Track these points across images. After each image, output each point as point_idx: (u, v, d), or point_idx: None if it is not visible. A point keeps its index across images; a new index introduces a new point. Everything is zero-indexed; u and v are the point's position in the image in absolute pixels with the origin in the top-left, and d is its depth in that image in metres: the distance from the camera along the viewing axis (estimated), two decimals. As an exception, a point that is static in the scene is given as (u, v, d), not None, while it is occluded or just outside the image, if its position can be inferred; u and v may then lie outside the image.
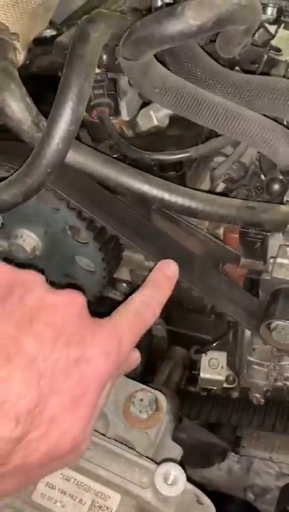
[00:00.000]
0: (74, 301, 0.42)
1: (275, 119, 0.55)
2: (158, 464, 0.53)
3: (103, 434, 0.57)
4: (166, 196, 0.53)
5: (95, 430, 0.57)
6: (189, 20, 0.44)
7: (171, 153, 0.61)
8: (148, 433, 0.61)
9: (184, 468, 0.55)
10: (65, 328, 0.40)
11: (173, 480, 0.50)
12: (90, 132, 0.70)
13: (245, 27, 0.50)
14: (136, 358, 0.51)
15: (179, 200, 0.54)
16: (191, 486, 0.51)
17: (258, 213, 0.56)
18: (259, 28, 0.76)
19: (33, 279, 0.43)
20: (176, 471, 0.50)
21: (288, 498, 0.92)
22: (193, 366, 0.83)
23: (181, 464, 0.59)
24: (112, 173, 0.53)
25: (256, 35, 0.75)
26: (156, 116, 0.69)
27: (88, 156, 0.53)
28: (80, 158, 0.53)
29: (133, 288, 0.79)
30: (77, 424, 0.40)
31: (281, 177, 0.57)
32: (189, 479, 0.52)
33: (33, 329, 0.39)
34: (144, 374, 0.89)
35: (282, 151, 0.51)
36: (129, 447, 0.56)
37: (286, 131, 0.52)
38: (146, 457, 0.56)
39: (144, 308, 0.47)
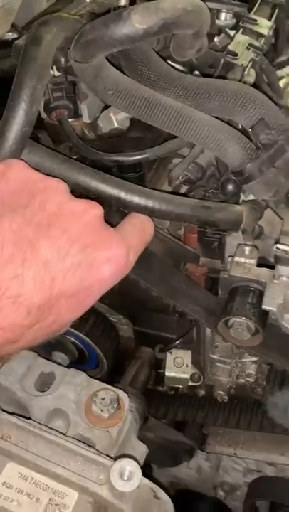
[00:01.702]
0: (91, 210, 0.46)
1: (228, 122, 0.57)
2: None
3: (64, 434, 0.58)
4: (123, 195, 0.54)
5: (55, 429, 0.58)
6: (135, 24, 0.45)
7: (130, 154, 0.62)
8: (110, 431, 0.61)
9: (150, 466, 0.55)
10: (80, 236, 0.43)
11: (128, 475, 0.50)
12: (50, 134, 0.70)
13: (194, 31, 0.52)
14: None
15: (136, 199, 0.54)
16: (147, 481, 0.52)
17: (213, 213, 0.58)
18: (220, 33, 0.78)
19: (56, 186, 0.46)
20: (131, 467, 0.50)
21: (256, 494, 0.93)
22: (158, 365, 0.83)
23: (148, 462, 0.60)
24: (69, 172, 0.53)
25: (217, 39, 0.77)
26: (116, 119, 0.70)
27: (44, 156, 0.53)
28: (35, 157, 0.53)
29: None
30: (73, 318, 0.46)
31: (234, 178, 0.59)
32: (146, 475, 0.53)
33: (49, 234, 0.42)
34: (112, 375, 0.89)
35: (231, 152, 0.52)
36: (89, 446, 0.56)
37: (236, 133, 0.53)
38: (108, 456, 0.56)
39: (146, 225, 0.53)
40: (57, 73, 0.66)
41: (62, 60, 0.63)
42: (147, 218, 0.54)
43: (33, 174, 0.46)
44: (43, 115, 0.69)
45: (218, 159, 0.66)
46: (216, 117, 0.55)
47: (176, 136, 0.63)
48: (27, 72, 0.49)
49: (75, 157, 0.62)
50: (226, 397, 0.82)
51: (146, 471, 0.55)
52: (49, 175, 0.55)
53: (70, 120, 0.68)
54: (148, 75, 0.55)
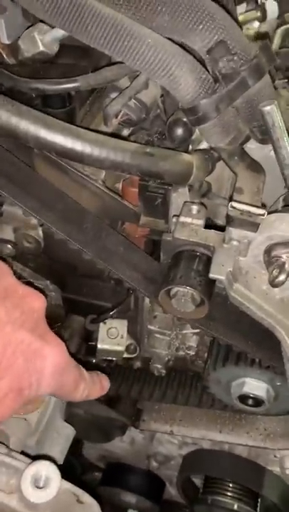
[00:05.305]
0: (40, 299, 0.47)
1: (181, 46, 0.45)
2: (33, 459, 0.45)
3: None
4: (42, 133, 0.42)
5: None
6: None
7: (56, 81, 0.50)
8: (27, 419, 0.53)
9: (80, 442, 0.50)
10: (32, 318, 0.44)
11: (45, 482, 0.41)
12: None
13: None
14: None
15: (59, 138, 0.43)
16: (68, 485, 0.43)
17: (157, 161, 0.47)
18: None
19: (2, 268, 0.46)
20: (48, 472, 0.41)
21: (191, 467, 0.89)
22: (89, 337, 0.74)
23: (78, 439, 0.54)
24: None
25: None
26: (41, 40, 0.57)
27: None
28: None
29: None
30: (7, 411, 0.41)
31: (185, 119, 0.48)
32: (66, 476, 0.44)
33: (5, 303, 0.43)
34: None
35: (183, 82, 0.41)
36: (0, 442, 0.47)
37: (190, 58, 0.42)
38: (23, 452, 0.48)
39: (82, 378, 0.52)
40: None
41: None
42: (89, 382, 0.54)
43: None
44: None
45: (165, 98, 0.55)
46: (166, 38, 0.43)
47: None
48: None
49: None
50: (163, 371, 0.75)
51: (76, 447, 0.50)
52: None
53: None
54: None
